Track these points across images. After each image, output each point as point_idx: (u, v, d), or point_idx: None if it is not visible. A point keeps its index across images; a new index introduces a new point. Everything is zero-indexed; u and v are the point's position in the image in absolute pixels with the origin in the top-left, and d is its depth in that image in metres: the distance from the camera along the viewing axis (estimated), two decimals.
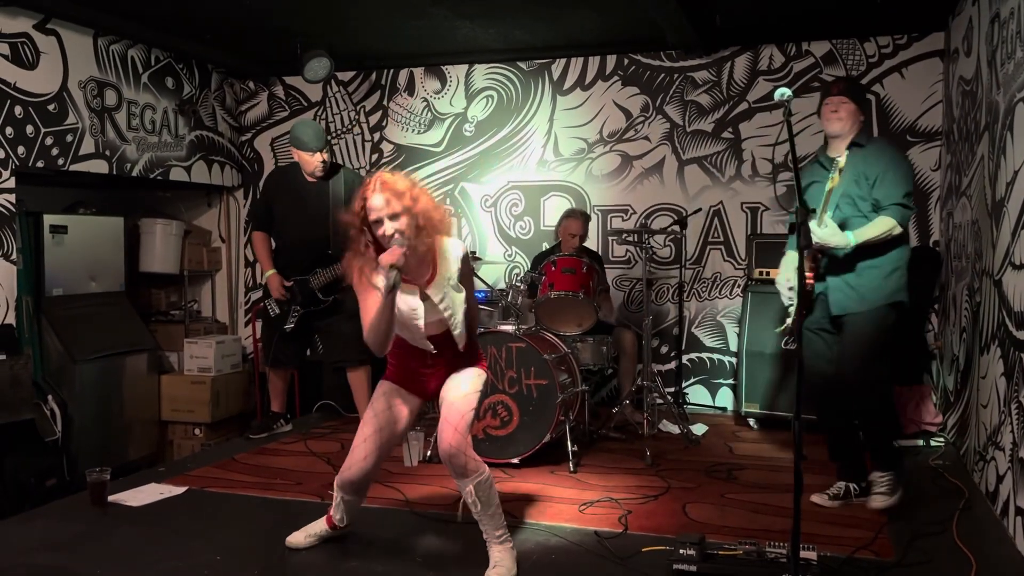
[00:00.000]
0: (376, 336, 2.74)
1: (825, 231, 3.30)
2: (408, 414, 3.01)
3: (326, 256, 4.70)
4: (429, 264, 2.83)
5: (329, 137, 6.36)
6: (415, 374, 2.98)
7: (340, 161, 6.36)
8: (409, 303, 2.79)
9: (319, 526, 3.15)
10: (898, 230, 3.36)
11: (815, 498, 3.58)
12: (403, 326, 2.85)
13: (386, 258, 2.63)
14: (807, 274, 3.37)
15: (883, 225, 3.33)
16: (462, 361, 2.98)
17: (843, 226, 3.37)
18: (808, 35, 5.44)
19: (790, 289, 3.48)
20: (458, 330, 2.87)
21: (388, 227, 2.68)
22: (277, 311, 4.79)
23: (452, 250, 2.86)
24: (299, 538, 3.12)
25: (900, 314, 3.46)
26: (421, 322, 2.81)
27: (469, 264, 2.96)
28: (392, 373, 3.02)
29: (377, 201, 2.69)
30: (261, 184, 6.35)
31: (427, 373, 2.98)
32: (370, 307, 2.73)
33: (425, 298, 2.81)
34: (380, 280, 2.66)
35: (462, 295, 2.87)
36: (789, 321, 3.51)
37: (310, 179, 4.76)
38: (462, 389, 2.90)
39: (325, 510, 3.18)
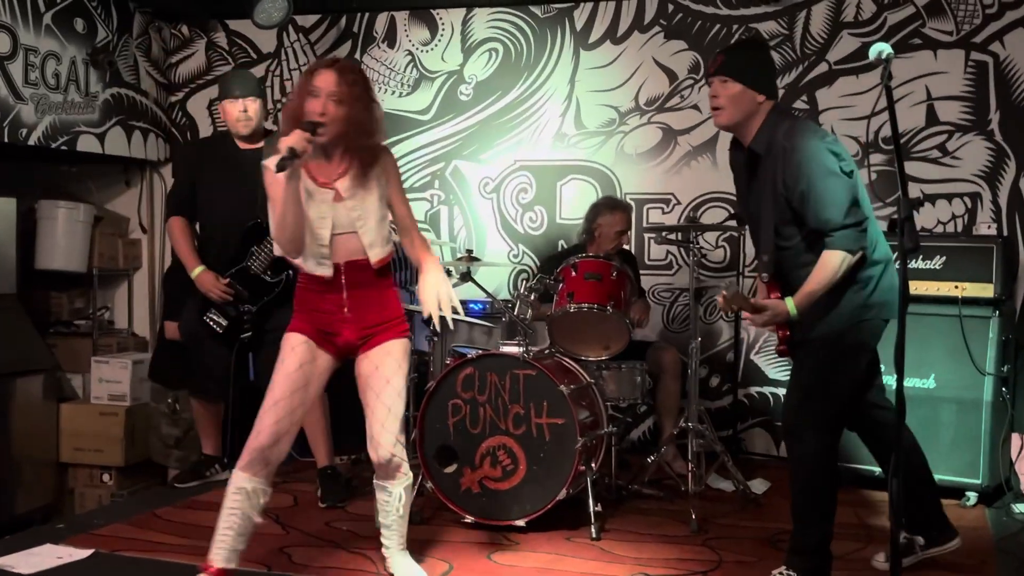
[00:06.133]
0: (281, 230, 3.13)
1: (762, 318, 3.37)
2: (320, 374, 3.34)
3: (257, 230, 4.51)
4: (345, 162, 3.23)
5: (266, 87, 6.31)
6: (323, 322, 3.29)
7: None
8: (316, 198, 3.19)
9: None
10: (852, 260, 3.29)
11: (876, 562, 3.74)
12: (308, 233, 3.19)
13: (286, 141, 2.97)
14: (780, 333, 3.48)
15: (829, 267, 3.26)
16: (380, 311, 3.30)
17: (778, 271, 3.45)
18: None
19: None
20: (368, 238, 3.21)
21: (318, 104, 3.07)
22: (224, 323, 4.61)
23: (381, 153, 3.28)
24: None
25: (862, 336, 3.43)
26: (326, 229, 3.18)
27: (395, 166, 3.37)
28: (298, 323, 3.32)
29: (328, 77, 3.10)
30: (175, 158, 6.44)
31: (337, 321, 3.28)
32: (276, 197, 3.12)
33: (337, 199, 3.20)
34: (273, 161, 3.00)
35: (374, 196, 3.24)
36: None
37: (243, 146, 4.71)
38: (389, 379, 3.25)
39: None
